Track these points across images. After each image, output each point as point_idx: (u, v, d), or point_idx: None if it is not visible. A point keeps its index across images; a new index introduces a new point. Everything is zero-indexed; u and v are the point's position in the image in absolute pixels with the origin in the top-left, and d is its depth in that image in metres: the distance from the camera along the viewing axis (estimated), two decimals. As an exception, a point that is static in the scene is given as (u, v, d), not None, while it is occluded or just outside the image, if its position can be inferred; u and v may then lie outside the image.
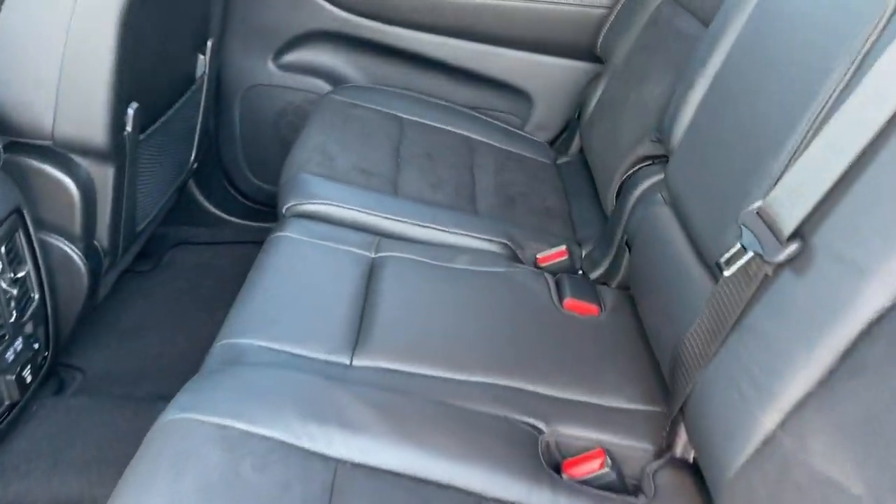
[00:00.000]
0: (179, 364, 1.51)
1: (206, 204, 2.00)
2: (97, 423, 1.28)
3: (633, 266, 1.16)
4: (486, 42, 1.85)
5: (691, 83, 1.12)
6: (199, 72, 1.59)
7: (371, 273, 1.16)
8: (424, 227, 1.30)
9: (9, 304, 1.09)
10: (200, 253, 1.96)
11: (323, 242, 1.20)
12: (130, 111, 1.23)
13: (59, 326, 1.29)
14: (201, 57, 1.58)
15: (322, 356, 0.95)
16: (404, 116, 1.68)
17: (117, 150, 1.21)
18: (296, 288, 1.09)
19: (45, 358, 1.24)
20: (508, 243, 1.32)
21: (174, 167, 1.62)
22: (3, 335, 1.08)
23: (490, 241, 1.32)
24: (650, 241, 1.11)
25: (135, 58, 1.18)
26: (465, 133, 1.70)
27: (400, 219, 1.30)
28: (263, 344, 0.94)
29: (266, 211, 2.02)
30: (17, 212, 1.12)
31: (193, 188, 1.97)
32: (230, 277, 1.85)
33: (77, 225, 1.22)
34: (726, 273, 0.78)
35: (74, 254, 1.23)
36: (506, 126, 1.84)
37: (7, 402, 1.13)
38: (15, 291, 1.08)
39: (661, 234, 1.08)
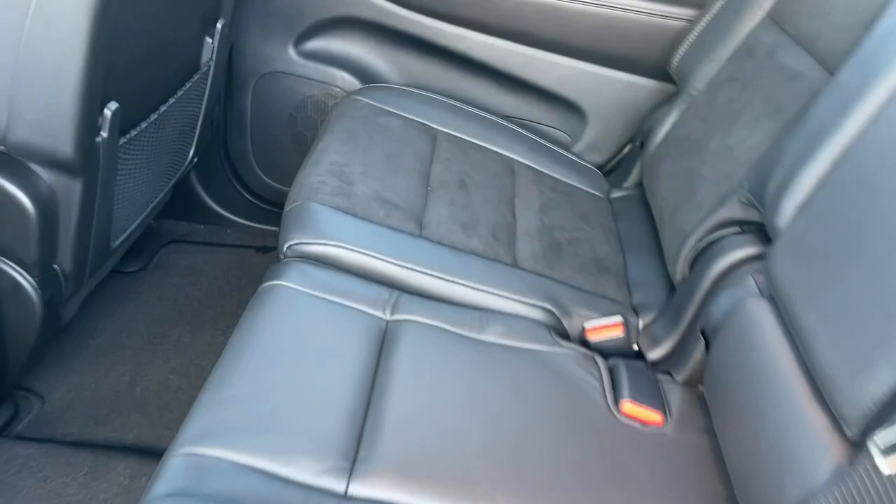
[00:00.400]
0: (149, 399, 1.30)
1: (208, 199, 1.78)
2: (39, 488, 1.07)
3: (713, 369, 0.93)
4: (539, 47, 1.60)
5: (812, 148, 0.88)
6: (205, 57, 1.36)
7: (383, 344, 0.94)
8: (452, 282, 1.07)
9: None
10: (195, 255, 1.74)
11: (328, 297, 0.97)
12: (108, 112, 1.00)
13: (7, 356, 1.08)
14: (209, 41, 1.34)
15: (310, 479, 0.73)
16: (438, 128, 1.44)
17: (87, 159, 0.99)
18: (286, 365, 0.86)
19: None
20: (552, 309, 1.09)
21: (168, 165, 1.39)
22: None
23: (530, 304, 1.08)
24: (740, 344, 0.87)
25: (115, 48, 0.95)
26: (507, 153, 1.46)
27: (424, 270, 1.06)
28: (235, 458, 0.72)
29: (273, 212, 1.79)
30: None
31: (194, 181, 1.75)
32: (223, 291, 1.63)
33: (32, 248, 1.00)
34: (885, 468, 0.55)
35: (26, 282, 1.01)
36: (553, 146, 1.59)
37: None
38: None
39: (757, 342, 0.84)
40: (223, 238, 1.79)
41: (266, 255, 1.77)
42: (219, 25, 1.35)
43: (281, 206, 1.76)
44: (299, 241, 1.05)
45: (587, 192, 1.45)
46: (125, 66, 1.01)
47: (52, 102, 0.91)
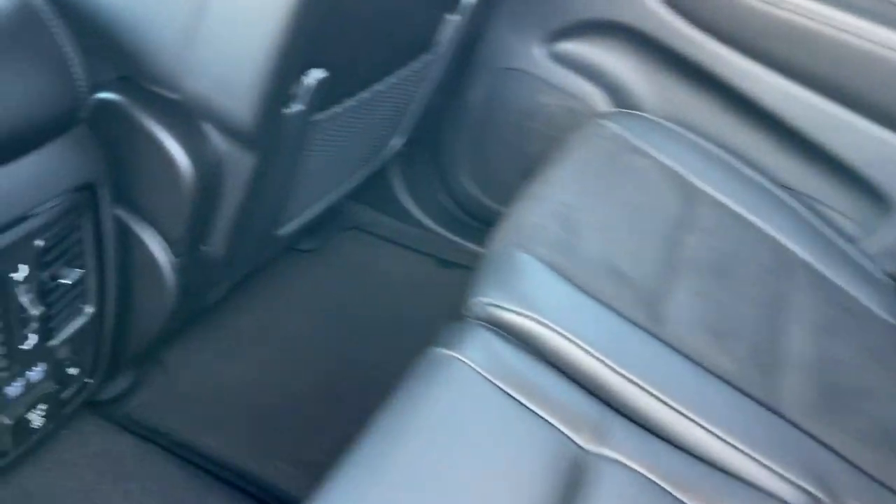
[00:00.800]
0: (271, 414, 1.10)
1: (401, 193, 1.57)
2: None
3: None
4: (855, 109, 1.22)
5: None
6: (439, 38, 1.12)
7: (571, 487, 0.65)
8: (687, 417, 0.75)
9: (23, 326, 0.70)
10: (372, 248, 1.54)
11: (514, 394, 0.70)
12: (308, 81, 0.79)
13: (131, 328, 0.91)
14: (448, 19, 1.11)
15: None
16: (698, 185, 1.12)
17: (268, 131, 0.78)
18: (444, 473, 0.61)
19: (83, 386, 0.86)
20: (818, 494, 0.75)
21: (367, 150, 1.18)
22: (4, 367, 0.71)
23: (788, 480, 0.75)
24: None
25: (329, 7, 0.73)
26: (782, 238, 1.10)
27: (652, 388, 0.76)
28: None
29: (470, 225, 1.55)
30: (87, 189, 0.72)
31: (391, 169, 1.54)
32: (390, 296, 1.42)
33: (180, 223, 0.81)
34: None
35: (165, 260, 0.83)
36: (839, 239, 1.21)
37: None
38: (37, 312, 0.69)
39: None
40: (407, 238, 1.58)
41: (446, 271, 1.54)
42: (464, 1, 1.11)
43: (482, 220, 1.52)
44: (495, 301, 0.78)
45: (882, 318, 1.06)
46: (338, 31, 0.80)
47: (239, 55, 0.71)
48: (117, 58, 0.74)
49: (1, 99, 0.59)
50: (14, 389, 0.74)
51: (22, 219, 0.65)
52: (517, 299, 0.78)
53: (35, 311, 0.68)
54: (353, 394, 1.15)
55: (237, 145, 0.79)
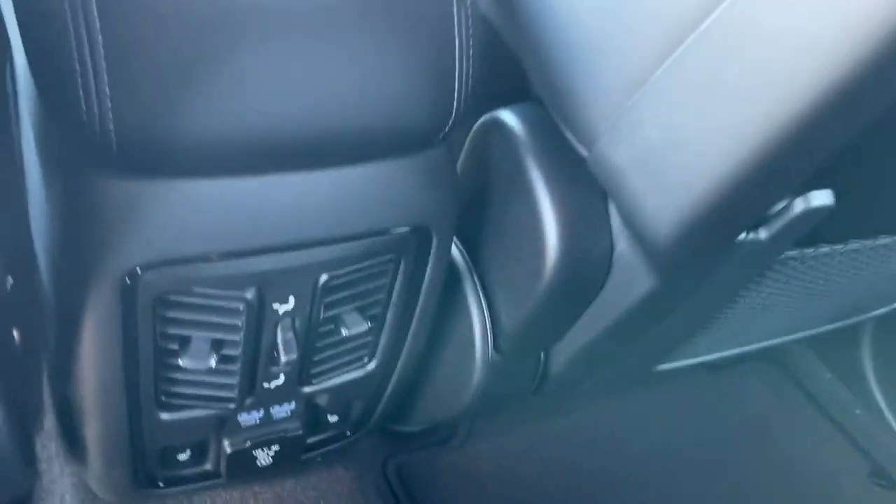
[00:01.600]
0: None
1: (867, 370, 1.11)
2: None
3: None
4: None
5: None
6: None
7: None
8: None
9: (271, 363, 0.53)
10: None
11: None
12: (802, 206, 0.46)
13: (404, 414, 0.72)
14: None
15: None
16: None
17: (697, 261, 0.48)
18: None
19: (340, 437, 0.69)
20: None
21: (841, 307, 0.79)
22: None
23: None
24: None
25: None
26: None
27: None
28: None
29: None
30: (422, 230, 0.51)
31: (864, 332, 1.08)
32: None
33: (520, 312, 0.56)
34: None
35: (480, 350, 0.59)
36: None
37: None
38: (288, 358, 0.51)
39: None
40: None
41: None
42: None
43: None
44: None
45: None
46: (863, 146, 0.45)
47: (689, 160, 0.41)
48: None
49: (393, 85, 0.41)
50: (248, 418, 0.59)
51: (379, 233, 0.48)
52: None
53: (286, 357, 0.51)
54: None
55: (641, 254, 0.50)
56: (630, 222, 0.48)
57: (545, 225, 0.51)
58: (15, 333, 0.60)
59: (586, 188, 0.52)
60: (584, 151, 0.49)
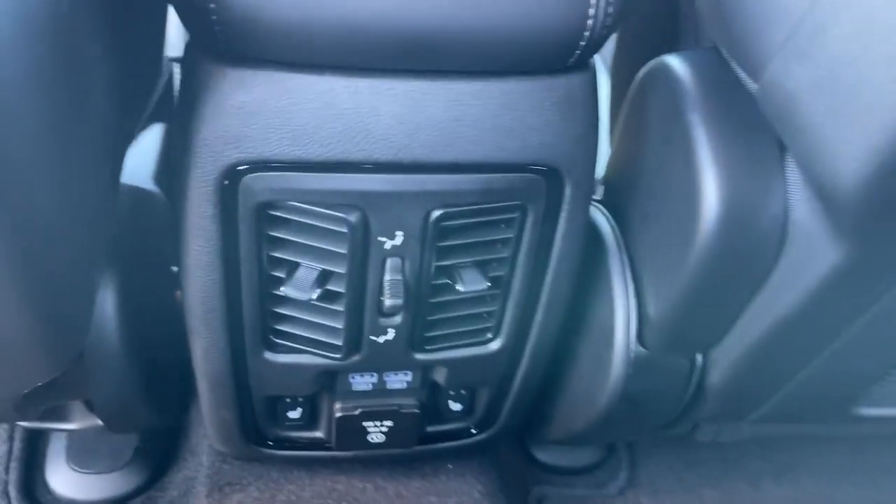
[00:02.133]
0: None
1: None
2: None
3: None
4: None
5: None
6: None
7: None
8: None
9: (378, 311, 0.49)
10: None
11: None
12: None
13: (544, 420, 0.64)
14: None
15: None
16: None
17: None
18: None
19: (463, 432, 0.62)
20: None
21: None
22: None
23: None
24: None
25: None
26: None
27: None
28: None
29: None
30: (553, 175, 0.45)
31: None
32: None
33: (672, 292, 0.47)
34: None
35: (621, 345, 0.51)
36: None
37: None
38: (393, 302, 0.46)
39: None
40: None
41: None
42: None
43: None
44: None
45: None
46: None
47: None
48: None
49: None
50: (361, 382, 0.55)
51: (497, 168, 0.43)
52: None
53: (391, 301, 0.46)
54: None
55: (823, 219, 0.40)
56: (807, 166, 0.38)
57: (703, 180, 0.43)
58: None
59: (758, 143, 0.43)
60: (753, 85, 0.40)
